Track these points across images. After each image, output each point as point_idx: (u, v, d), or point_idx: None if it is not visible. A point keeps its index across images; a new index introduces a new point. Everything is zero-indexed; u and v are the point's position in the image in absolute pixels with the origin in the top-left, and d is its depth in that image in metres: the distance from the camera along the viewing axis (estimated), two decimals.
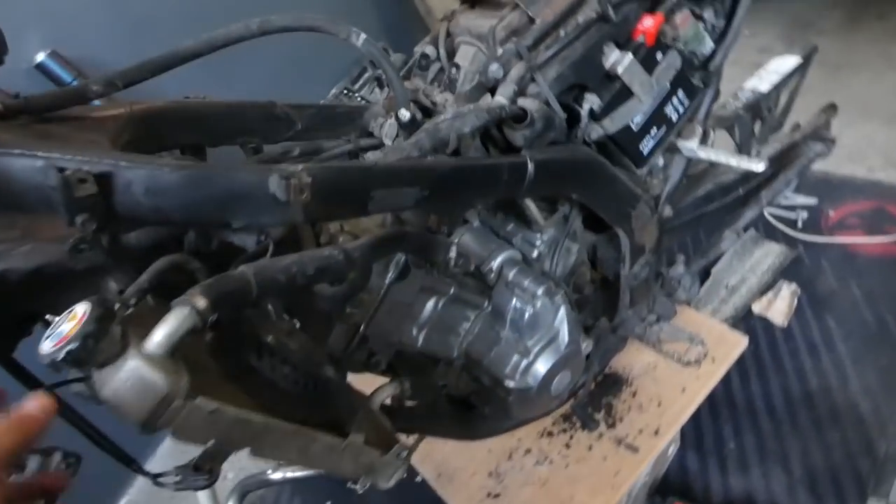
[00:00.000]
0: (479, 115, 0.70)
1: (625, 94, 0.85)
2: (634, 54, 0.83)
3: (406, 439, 0.81)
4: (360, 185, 0.62)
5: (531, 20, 0.81)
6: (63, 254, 0.51)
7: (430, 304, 0.88)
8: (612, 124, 0.86)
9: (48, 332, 0.48)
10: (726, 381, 1.28)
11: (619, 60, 0.82)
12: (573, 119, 0.85)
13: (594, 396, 1.20)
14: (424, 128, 0.70)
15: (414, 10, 2.28)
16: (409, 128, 0.74)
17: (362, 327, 0.81)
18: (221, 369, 0.58)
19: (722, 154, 0.93)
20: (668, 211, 1.03)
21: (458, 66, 0.84)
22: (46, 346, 0.45)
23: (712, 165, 1.09)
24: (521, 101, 0.76)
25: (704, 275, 1.51)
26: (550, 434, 1.18)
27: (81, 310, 0.47)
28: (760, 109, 1.24)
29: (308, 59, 1.98)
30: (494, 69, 0.77)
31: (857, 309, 1.45)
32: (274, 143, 0.84)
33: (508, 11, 0.83)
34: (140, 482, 1.80)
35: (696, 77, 0.93)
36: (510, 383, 0.87)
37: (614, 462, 1.10)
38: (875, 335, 1.38)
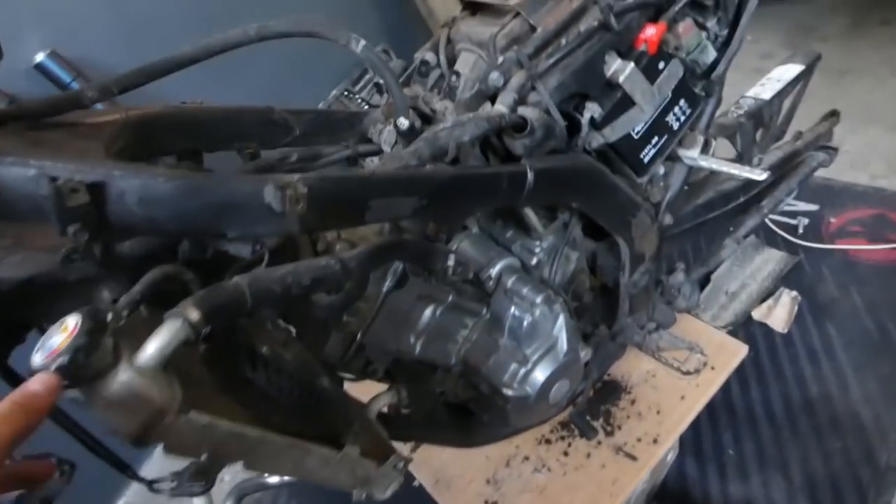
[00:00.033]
0: (478, 125, 0.69)
1: (626, 102, 0.84)
2: (636, 63, 0.82)
3: (403, 447, 0.81)
4: (358, 194, 0.61)
5: (532, 28, 0.81)
6: (55, 263, 0.50)
7: (427, 312, 0.87)
8: (612, 133, 0.85)
9: (39, 343, 0.47)
10: (726, 387, 1.28)
11: (620, 69, 0.81)
12: (574, 127, 0.84)
13: (593, 404, 1.20)
14: (423, 136, 0.69)
15: (415, 11, 2.27)
16: (407, 136, 0.73)
17: (359, 336, 0.80)
18: (215, 380, 0.58)
19: (723, 163, 0.92)
20: (668, 219, 1.02)
21: (458, 74, 0.84)
22: (37, 358, 0.45)
23: (713, 173, 1.08)
24: (522, 110, 0.75)
25: (704, 280, 1.50)
26: (549, 441, 1.17)
27: (72, 322, 0.47)
28: (763, 117, 1.24)
29: (308, 61, 1.97)
30: (495, 77, 0.76)
31: (858, 317, 1.44)
32: (272, 149, 0.83)
33: (509, 19, 0.82)
34: (136, 485, 1.79)
35: (698, 86, 0.93)
36: (508, 391, 0.87)
37: (613, 470, 1.09)
38: (876, 343, 1.38)
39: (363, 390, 0.84)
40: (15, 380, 0.56)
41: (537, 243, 0.95)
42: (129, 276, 0.56)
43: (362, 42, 0.71)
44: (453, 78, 0.83)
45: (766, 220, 1.63)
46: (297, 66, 1.96)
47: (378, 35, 2.22)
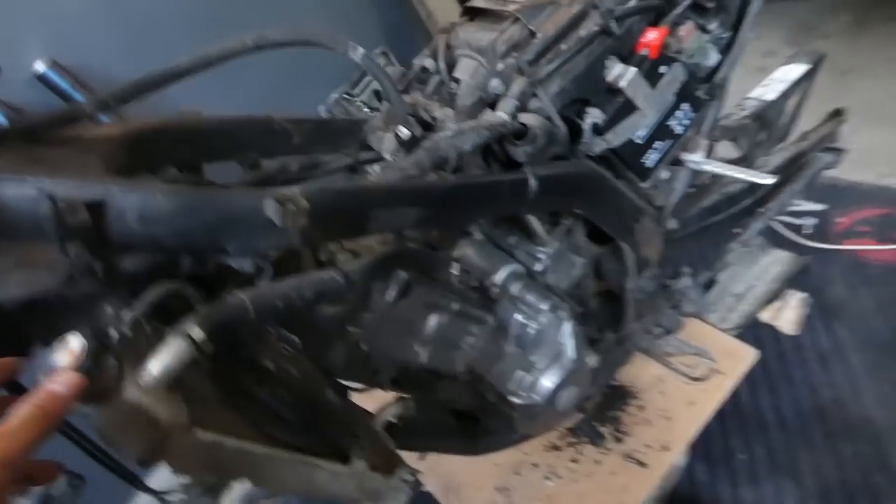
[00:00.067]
0: (479, 133, 0.69)
1: (628, 107, 0.84)
2: (638, 67, 0.81)
3: (410, 454, 0.80)
4: (359, 206, 0.61)
5: (532, 34, 0.80)
6: (57, 282, 0.50)
7: (432, 320, 0.87)
8: (615, 138, 0.84)
9: (41, 361, 0.47)
10: (735, 391, 1.26)
11: (621, 74, 0.80)
12: (575, 133, 0.84)
13: (601, 410, 1.18)
14: (424, 145, 0.69)
15: (414, 13, 2.27)
16: (408, 145, 0.73)
17: (364, 346, 0.79)
18: (220, 395, 0.57)
19: (728, 167, 0.91)
20: (672, 223, 1.01)
21: (457, 81, 0.83)
22: (41, 379, 0.45)
23: (718, 177, 1.07)
24: (523, 117, 0.75)
25: (710, 283, 1.49)
26: (557, 448, 1.16)
27: (76, 343, 0.47)
28: (766, 119, 1.23)
29: (307, 64, 1.97)
30: (495, 84, 0.76)
31: (868, 318, 1.42)
32: (272, 158, 0.83)
33: (509, 24, 0.81)
34: (145, 496, 1.79)
35: (701, 89, 0.92)
36: (515, 399, 0.86)
37: (623, 477, 1.08)
38: (888, 345, 1.36)
39: (370, 399, 0.83)
40: (21, 393, 0.56)
41: (541, 249, 0.94)
42: (131, 291, 0.56)
43: (360, 50, 0.71)
44: (453, 85, 0.83)
45: (772, 221, 1.61)
46: (295, 70, 1.96)
47: (377, 37, 2.22)
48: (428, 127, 0.82)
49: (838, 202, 1.67)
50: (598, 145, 0.85)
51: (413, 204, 0.64)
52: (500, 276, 0.86)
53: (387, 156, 0.83)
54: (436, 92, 0.87)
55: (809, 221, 1.65)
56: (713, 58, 0.92)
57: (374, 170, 0.88)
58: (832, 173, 1.60)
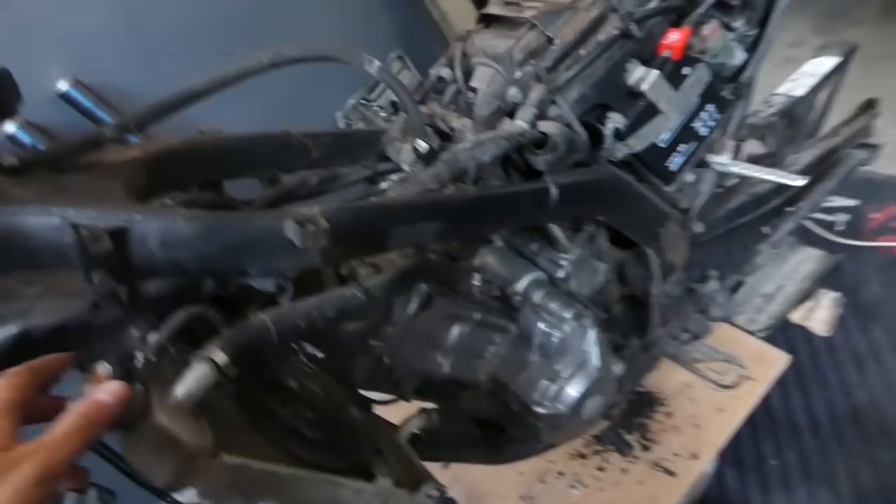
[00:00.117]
0: (498, 144, 0.68)
1: (651, 111, 0.81)
2: (660, 70, 0.79)
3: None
4: (379, 223, 0.60)
5: (550, 40, 0.79)
6: (83, 309, 0.51)
7: (454, 331, 0.86)
8: (637, 143, 0.82)
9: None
10: (765, 395, 1.23)
11: (643, 77, 0.78)
12: (597, 139, 0.82)
13: (627, 417, 1.16)
14: (443, 158, 0.68)
15: (428, 16, 2.26)
16: (427, 158, 0.72)
17: (386, 359, 0.79)
18: (244, 416, 0.57)
19: (755, 168, 0.89)
20: (698, 227, 0.99)
21: (474, 90, 0.82)
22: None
23: (745, 177, 1.04)
24: (542, 125, 0.74)
25: (737, 283, 1.45)
26: (583, 456, 1.14)
27: (103, 371, 0.48)
28: (795, 115, 1.18)
29: (323, 71, 1.97)
30: (513, 93, 0.74)
31: None
32: (291, 173, 0.83)
33: (525, 31, 0.80)
34: None
35: (726, 89, 0.89)
36: (540, 409, 0.85)
37: (651, 486, 1.06)
38: None
39: (393, 410, 0.83)
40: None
41: (563, 256, 0.92)
42: (156, 314, 0.56)
43: (376, 63, 0.70)
44: (470, 94, 0.82)
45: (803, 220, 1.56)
46: (312, 76, 1.96)
47: (391, 40, 2.22)
48: (446, 137, 0.81)
49: (872, 197, 1.62)
50: (621, 151, 0.84)
51: (433, 218, 0.64)
52: (521, 284, 0.85)
53: (405, 167, 0.83)
54: (453, 101, 0.86)
55: (842, 217, 1.60)
56: (739, 57, 0.89)
57: (393, 180, 0.88)
58: (866, 167, 1.55)
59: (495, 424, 0.99)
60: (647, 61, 0.81)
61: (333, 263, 0.73)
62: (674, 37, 0.80)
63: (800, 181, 0.87)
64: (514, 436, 0.98)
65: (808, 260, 1.55)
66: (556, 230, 0.87)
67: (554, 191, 0.74)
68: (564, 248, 0.90)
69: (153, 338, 0.51)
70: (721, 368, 1.12)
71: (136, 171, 0.62)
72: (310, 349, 0.75)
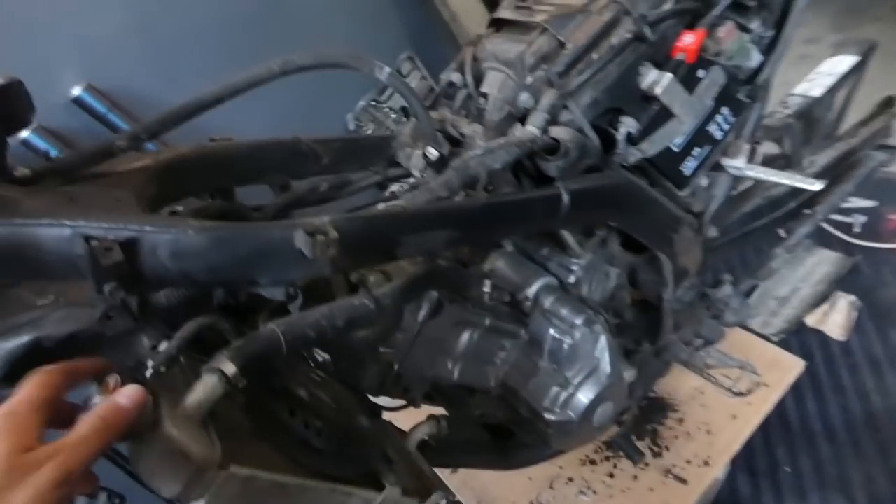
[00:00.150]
0: (509, 151, 0.67)
1: (664, 115, 0.80)
2: (674, 73, 0.78)
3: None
4: (388, 232, 0.60)
5: (561, 44, 0.78)
6: (94, 319, 0.51)
7: (464, 337, 0.86)
8: (650, 147, 0.81)
9: (81, 405, 0.48)
10: (779, 400, 1.21)
11: (657, 81, 0.77)
12: (609, 143, 0.81)
13: (638, 422, 1.15)
14: (453, 166, 0.67)
15: (438, 16, 2.25)
16: (437, 165, 0.72)
17: (396, 366, 0.79)
18: (253, 426, 0.57)
19: (771, 172, 0.87)
20: (712, 231, 0.97)
21: (485, 96, 0.81)
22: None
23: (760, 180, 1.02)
24: (554, 131, 0.73)
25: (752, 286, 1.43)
26: (593, 462, 1.14)
27: (112, 382, 0.48)
28: (812, 116, 1.16)
29: (333, 73, 1.98)
30: (524, 99, 0.74)
31: None
32: (301, 179, 0.83)
33: (537, 35, 0.79)
34: None
35: (742, 92, 0.88)
36: (550, 416, 0.84)
37: (662, 493, 1.05)
38: None
39: (403, 413, 0.83)
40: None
41: (574, 261, 0.91)
42: (167, 322, 0.57)
43: (387, 69, 0.70)
44: (481, 100, 0.81)
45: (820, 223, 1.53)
46: (323, 79, 1.96)
47: (401, 41, 2.21)
48: (456, 143, 0.81)
49: (891, 198, 1.58)
50: (633, 155, 0.83)
51: (443, 227, 0.63)
52: (532, 289, 0.84)
53: (415, 173, 0.82)
54: (463, 106, 0.86)
55: (859, 219, 1.57)
56: (755, 59, 0.87)
57: (403, 186, 0.88)
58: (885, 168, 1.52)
59: (505, 430, 0.99)
60: (661, 64, 0.80)
61: (343, 272, 0.73)
62: (688, 39, 0.78)
63: (817, 185, 0.85)
64: (524, 441, 0.98)
65: (824, 262, 1.53)
66: (567, 235, 0.86)
67: (565, 197, 0.73)
68: (575, 253, 0.89)
69: (164, 346, 0.52)
70: (734, 375, 1.10)
71: (147, 180, 0.62)
72: (319, 356, 0.75)
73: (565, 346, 0.84)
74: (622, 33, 0.76)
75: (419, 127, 0.79)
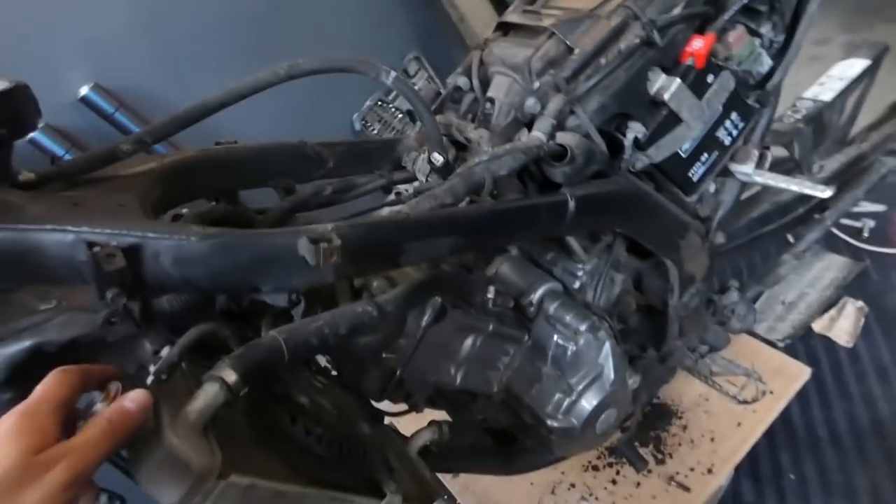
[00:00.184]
0: (515, 157, 0.66)
1: (672, 120, 0.79)
2: (683, 78, 0.77)
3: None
4: (392, 240, 0.60)
5: (569, 49, 0.77)
6: (96, 325, 0.51)
7: (467, 342, 0.85)
8: (658, 153, 0.80)
9: (82, 407, 0.48)
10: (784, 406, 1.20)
11: (665, 86, 0.76)
12: (616, 148, 0.80)
13: (642, 429, 1.15)
14: (458, 172, 0.67)
15: (446, 16, 2.24)
16: (442, 171, 0.71)
17: (398, 371, 0.79)
18: (254, 433, 0.57)
19: (780, 178, 0.86)
20: (719, 238, 0.96)
21: (492, 101, 0.80)
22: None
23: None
24: (560, 137, 0.72)
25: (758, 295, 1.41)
26: (596, 468, 1.13)
27: (114, 389, 0.48)
28: (823, 121, 1.15)
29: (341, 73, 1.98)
30: (531, 104, 0.73)
31: None
32: (306, 182, 0.82)
33: (544, 40, 0.78)
34: None
35: (751, 97, 0.87)
36: (552, 423, 0.84)
37: (664, 501, 1.04)
38: None
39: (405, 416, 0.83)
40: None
41: (580, 266, 0.91)
42: (169, 327, 0.56)
43: (393, 73, 0.70)
44: (487, 104, 0.80)
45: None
46: (329, 79, 1.96)
47: (409, 42, 2.20)
48: (462, 148, 0.80)
49: None
50: (640, 161, 0.82)
51: (447, 234, 0.63)
52: (536, 294, 0.84)
53: (420, 177, 0.82)
54: (469, 111, 0.85)
55: (868, 223, 1.55)
56: (765, 63, 0.86)
57: (408, 190, 0.87)
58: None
59: (507, 434, 0.98)
60: (670, 69, 0.79)
61: (346, 278, 0.72)
62: (697, 44, 0.77)
63: (826, 193, 0.84)
64: (526, 446, 0.97)
65: (832, 267, 1.51)
66: (572, 240, 0.86)
67: (571, 203, 0.73)
68: (580, 258, 0.89)
69: (165, 352, 0.51)
70: (740, 382, 1.09)
71: (152, 184, 0.62)
72: (321, 366, 0.75)
73: (569, 352, 0.83)
74: (631, 38, 0.75)
75: (425, 131, 0.79)
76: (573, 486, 1.12)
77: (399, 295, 0.66)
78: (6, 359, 0.50)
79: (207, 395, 0.48)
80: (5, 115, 0.52)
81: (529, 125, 0.76)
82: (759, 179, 0.89)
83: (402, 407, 0.87)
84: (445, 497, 0.73)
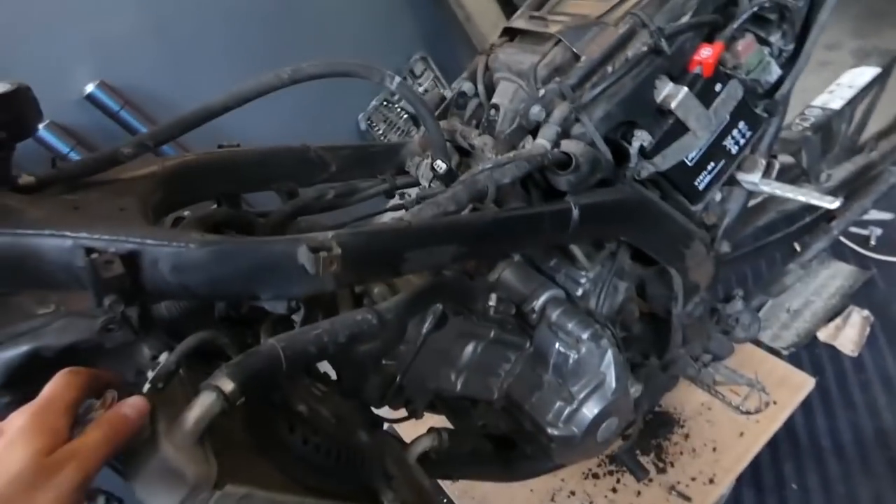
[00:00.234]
0: (519, 166, 0.66)
1: (679, 129, 0.78)
2: (690, 87, 0.76)
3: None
4: (393, 247, 0.59)
5: (576, 56, 0.76)
6: (94, 330, 0.51)
7: (468, 349, 0.85)
8: (664, 161, 0.79)
9: (80, 416, 0.48)
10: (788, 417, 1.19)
11: (672, 94, 0.75)
12: (622, 156, 0.79)
13: (643, 437, 1.14)
14: (462, 179, 0.66)
15: (453, 17, 2.23)
16: (445, 178, 0.70)
17: (399, 378, 0.78)
18: (252, 441, 0.57)
19: (787, 188, 0.85)
20: (725, 246, 0.95)
21: (496, 107, 0.80)
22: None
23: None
24: (565, 145, 0.71)
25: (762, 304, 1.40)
26: (596, 476, 1.12)
27: (110, 397, 0.47)
28: (831, 129, 1.13)
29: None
30: (536, 112, 0.72)
31: None
32: (309, 186, 0.82)
33: (551, 46, 0.77)
34: None
35: (759, 106, 0.85)
36: (553, 431, 0.83)
37: None
38: None
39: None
40: None
41: (583, 273, 0.90)
42: (168, 331, 0.56)
43: (397, 79, 0.69)
44: (492, 111, 0.80)
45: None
46: (335, 79, 1.96)
47: (415, 41, 2.20)
48: (466, 154, 0.79)
49: None
50: (646, 169, 0.81)
51: (450, 242, 0.62)
52: (538, 301, 0.83)
53: (424, 182, 0.81)
54: (474, 116, 0.84)
55: (876, 231, 1.54)
56: (774, 73, 0.85)
57: (411, 194, 0.87)
58: None
59: (507, 440, 0.98)
60: (677, 77, 0.78)
61: (346, 286, 0.72)
62: (706, 52, 0.76)
63: (833, 203, 0.83)
64: (526, 453, 0.97)
65: (838, 275, 1.50)
66: (576, 247, 0.85)
67: (575, 212, 0.72)
68: (584, 265, 0.88)
69: (163, 358, 0.51)
70: (743, 392, 1.09)
71: (153, 187, 0.62)
72: (320, 373, 0.74)
73: (571, 360, 0.83)
74: (638, 46, 0.74)
75: (428, 137, 0.78)
76: (573, 493, 1.12)
77: (400, 302, 0.66)
78: (4, 363, 0.50)
79: (204, 404, 0.48)
80: (6, 118, 0.52)
81: (534, 132, 0.75)
82: (765, 189, 0.88)
83: (402, 413, 0.86)
84: (444, 503, 0.72)
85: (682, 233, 0.87)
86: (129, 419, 0.44)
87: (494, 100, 0.81)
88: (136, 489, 0.47)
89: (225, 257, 0.51)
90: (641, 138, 0.78)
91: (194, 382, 0.51)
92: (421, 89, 2.16)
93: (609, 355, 0.82)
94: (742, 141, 0.85)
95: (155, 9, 1.52)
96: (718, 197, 0.92)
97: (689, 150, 0.81)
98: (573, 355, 0.82)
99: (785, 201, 1.08)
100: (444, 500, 0.75)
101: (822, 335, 1.40)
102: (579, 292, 0.91)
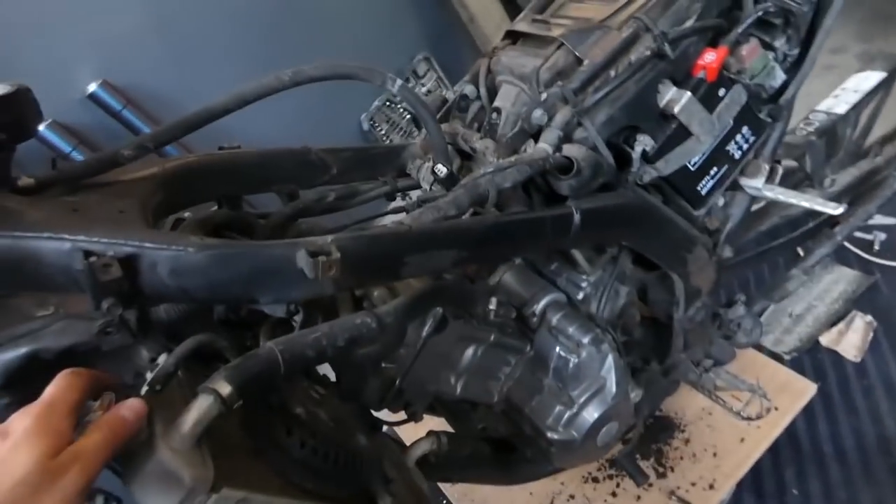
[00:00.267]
0: (520, 170, 0.65)
1: (682, 133, 0.78)
2: (693, 91, 0.76)
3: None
4: (393, 252, 0.59)
5: (578, 60, 0.76)
6: (92, 333, 0.51)
7: (468, 353, 0.85)
8: (667, 166, 0.79)
9: (78, 418, 0.48)
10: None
11: (675, 99, 0.75)
12: (624, 160, 0.79)
13: (643, 441, 1.13)
14: (463, 183, 0.66)
15: (456, 17, 2.23)
16: (446, 182, 0.70)
17: (398, 381, 0.78)
18: (249, 444, 0.57)
19: (790, 194, 0.84)
20: (727, 251, 0.95)
21: (498, 111, 0.79)
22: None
23: None
24: (567, 149, 0.71)
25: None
26: (596, 480, 1.12)
27: (108, 400, 0.47)
28: (836, 134, 1.13)
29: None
30: (538, 116, 0.72)
31: None
32: (310, 188, 0.82)
33: (553, 50, 0.77)
34: None
35: (763, 111, 0.85)
36: (553, 435, 0.83)
37: None
38: None
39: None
40: None
41: (584, 277, 0.90)
42: (166, 334, 0.56)
43: (399, 82, 0.69)
44: (494, 114, 0.79)
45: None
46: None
47: (418, 42, 2.19)
48: (467, 157, 0.79)
49: None
50: (648, 174, 0.80)
51: (450, 247, 0.62)
52: (539, 305, 0.83)
53: (425, 184, 0.81)
54: (476, 120, 0.84)
55: (879, 236, 1.53)
56: (778, 77, 0.84)
57: (412, 196, 0.86)
58: None
59: (507, 444, 0.98)
60: (681, 82, 0.77)
61: (345, 290, 0.72)
62: (709, 57, 0.76)
63: (837, 210, 0.83)
64: (526, 456, 0.96)
65: (841, 280, 1.49)
66: (577, 254, 0.85)
67: (577, 217, 0.72)
68: (585, 270, 0.88)
69: (162, 359, 0.51)
70: (744, 397, 1.08)
71: (154, 189, 0.62)
72: (319, 376, 0.74)
73: (571, 364, 0.83)
74: (641, 50, 0.74)
75: (430, 140, 0.78)
76: (572, 497, 1.12)
77: (399, 306, 0.66)
78: (3, 364, 0.50)
79: (201, 407, 0.47)
80: (6, 119, 0.52)
81: (536, 136, 0.75)
82: (769, 194, 0.87)
83: (402, 416, 0.86)
84: None
85: (684, 238, 0.87)
86: (127, 421, 0.44)
87: (496, 103, 0.81)
88: (133, 491, 0.47)
89: (223, 261, 0.51)
90: (644, 143, 0.78)
91: (192, 385, 0.51)
92: (424, 90, 2.16)
93: (610, 360, 0.82)
94: (745, 146, 0.85)
95: (157, 8, 1.52)
96: (721, 202, 0.92)
97: (691, 154, 0.80)
98: (573, 359, 0.82)
99: (788, 206, 1.08)
100: (444, 503, 0.75)
101: (825, 340, 1.39)
102: (580, 296, 0.90)
